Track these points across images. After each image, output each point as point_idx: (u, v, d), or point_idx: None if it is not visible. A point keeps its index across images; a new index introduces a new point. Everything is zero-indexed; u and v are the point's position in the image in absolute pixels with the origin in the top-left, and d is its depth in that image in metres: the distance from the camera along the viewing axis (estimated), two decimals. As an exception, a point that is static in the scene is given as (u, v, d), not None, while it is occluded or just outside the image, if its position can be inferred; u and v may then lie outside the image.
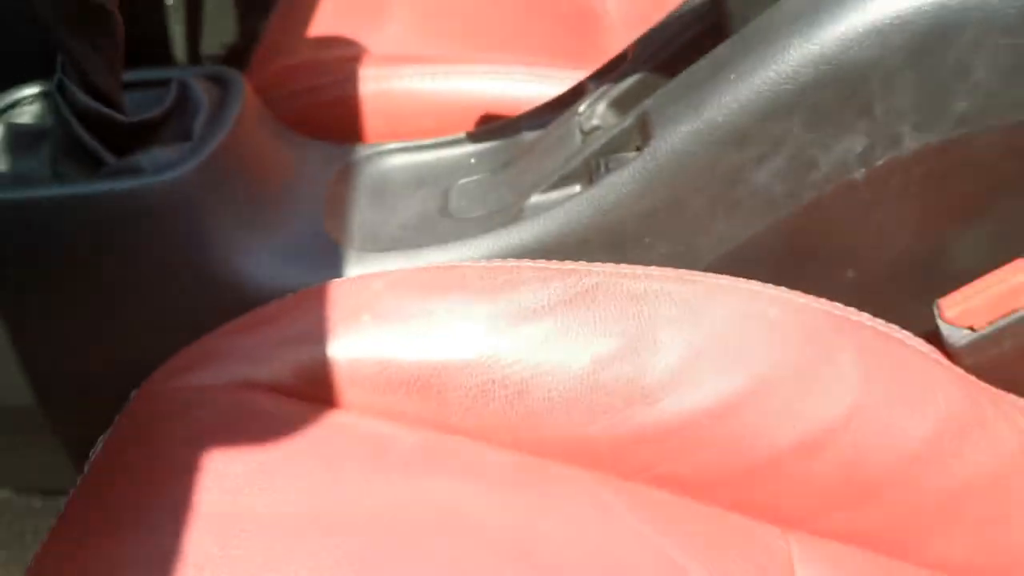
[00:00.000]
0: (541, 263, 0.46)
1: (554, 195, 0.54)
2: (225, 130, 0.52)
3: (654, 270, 0.46)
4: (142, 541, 0.34)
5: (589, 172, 0.53)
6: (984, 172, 0.47)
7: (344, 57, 0.69)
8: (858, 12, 0.44)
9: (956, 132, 0.46)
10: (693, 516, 0.44)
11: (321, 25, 0.73)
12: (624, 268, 0.46)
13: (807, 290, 0.50)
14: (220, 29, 1.16)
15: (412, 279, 0.44)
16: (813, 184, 0.48)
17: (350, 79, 0.66)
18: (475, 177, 0.60)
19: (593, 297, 0.44)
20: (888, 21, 0.44)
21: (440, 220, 0.57)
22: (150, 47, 1.03)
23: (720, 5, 0.50)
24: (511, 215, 0.54)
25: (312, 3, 0.79)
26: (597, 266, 0.46)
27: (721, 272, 0.50)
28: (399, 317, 0.42)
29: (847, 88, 0.45)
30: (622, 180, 0.50)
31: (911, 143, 0.46)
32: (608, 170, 0.51)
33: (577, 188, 0.53)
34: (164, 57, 1.13)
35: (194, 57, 1.16)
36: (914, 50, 0.44)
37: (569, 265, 0.45)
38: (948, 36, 0.44)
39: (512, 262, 0.46)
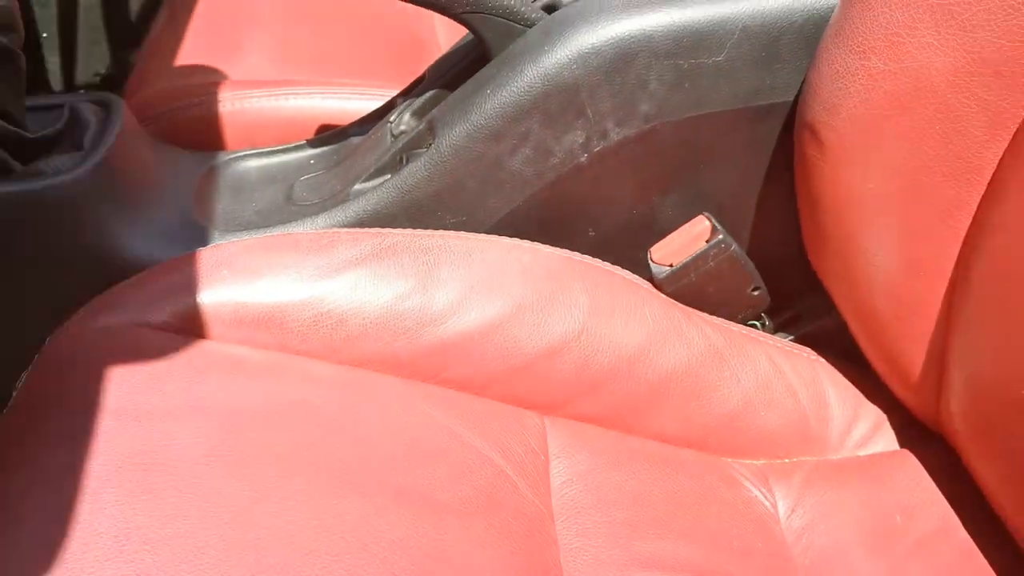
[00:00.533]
0: (356, 230, 0.59)
1: (371, 183, 0.67)
2: (109, 141, 0.63)
3: (440, 232, 0.61)
4: (64, 421, 0.46)
5: (396, 164, 0.66)
6: (668, 156, 0.64)
7: (206, 83, 0.80)
8: (568, 45, 0.60)
9: (644, 127, 0.62)
10: (473, 405, 0.58)
11: (186, 57, 0.84)
12: (418, 231, 0.60)
13: (561, 245, 0.65)
14: (93, 61, 1.24)
15: (258, 244, 0.56)
16: (553, 167, 0.63)
17: (211, 101, 0.78)
18: (314, 174, 0.73)
19: (394, 251, 0.58)
20: (587, 51, 0.60)
21: (286, 207, 0.70)
22: (28, 77, 1.11)
23: (483, 41, 0.65)
24: (339, 200, 0.67)
25: (178, 39, 0.90)
26: (397, 230, 0.60)
27: (498, 234, 0.65)
28: (249, 271, 0.55)
29: (565, 98, 0.61)
30: (417, 169, 0.64)
31: (615, 136, 0.62)
32: (408, 162, 0.65)
33: (388, 177, 0.67)
34: (42, 85, 1.21)
35: (69, 85, 1.24)
36: (607, 70, 0.60)
37: (376, 230, 0.59)
38: (628, 60, 0.60)
39: (334, 230, 0.60)
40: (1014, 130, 0.53)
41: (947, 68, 0.53)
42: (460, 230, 0.64)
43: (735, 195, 0.65)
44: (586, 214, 0.66)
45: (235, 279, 0.55)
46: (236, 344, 0.54)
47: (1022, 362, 0.53)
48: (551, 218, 0.66)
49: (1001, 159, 0.54)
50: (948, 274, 0.57)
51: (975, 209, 0.55)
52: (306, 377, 0.53)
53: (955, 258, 0.57)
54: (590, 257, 0.63)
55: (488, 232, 0.65)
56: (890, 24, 0.55)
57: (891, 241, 0.58)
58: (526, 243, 0.62)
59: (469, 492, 0.52)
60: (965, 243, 0.56)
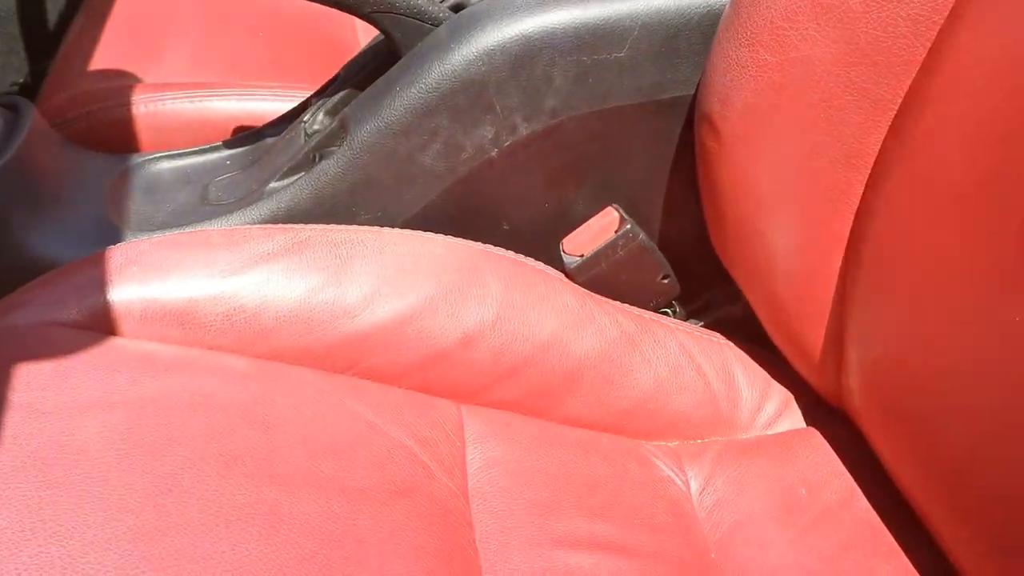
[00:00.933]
0: (268, 226, 0.60)
1: (285, 181, 0.68)
2: (16, 144, 0.64)
3: (352, 227, 0.62)
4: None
5: (309, 162, 0.68)
6: (576, 149, 0.66)
7: (121, 86, 0.80)
8: (473, 42, 0.62)
9: (551, 121, 0.64)
10: (388, 395, 0.59)
11: (102, 61, 0.84)
12: (331, 226, 0.61)
13: (476, 239, 0.66)
14: (10, 70, 1.23)
15: (169, 241, 0.57)
16: (464, 162, 0.65)
17: (125, 103, 0.78)
18: (228, 174, 0.73)
19: (306, 245, 0.59)
20: (493, 47, 0.62)
21: (200, 207, 0.70)
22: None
23: (392, 40, 0.67)
24: (254, 198, 0.68)
25: (93, 43, 0.90)
26: (310, 226, 0.61)
27: (413, 229, 0.66)
28: (159, 268, 0.56)
29: (473, 93, 0.63)
30: (330, 166, 0.65)
31: (523, 130, 0.64)
32: (321, 160, 0.66)
33: (302, 175, 0.68)
34: (-42, 96, 1.19)
35: (-14, 95, 1.23)
36: (513, 66, 0.62)
37: (289, 226, 0.60)
38: (533, 56, 0.62)
39: (246, 226, 0.61)
40: (892, 116, 0.56)
41: (828, 58, 0.56)
42: (375, 225, 0.66)
43: (643, 187, 0.68)
44: (499, 208, 0.68)
45: (145, 276, 0.55)
46: (147, 340, 0.55)
47: (909, 340, 0.56)
48: (465, 212, 0.68)
49: (882, 144, 0.57)
50: (840, 256, 0.60)
51: (861, 192, 0.58)
52: (218, 371, 0.54)
53: (846, 240, 0.60)
54: (503, 249, 0.65)
55: (403, 227, 0.67)
56: (775, 18, 0.58)
57: (786, 226, 0.61)
58: (439, 236, 0.63)
59: (383, 478, 0.53)
60: (854, 226, 0.59)
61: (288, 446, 0.52)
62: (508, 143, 0.64)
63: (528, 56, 0.61)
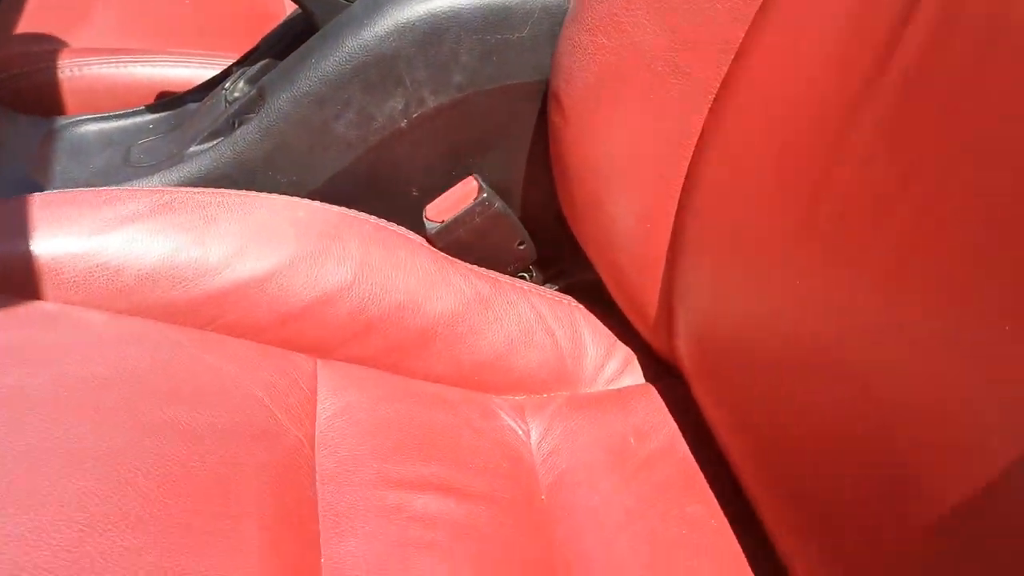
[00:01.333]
0: (135, 188, 0.61)
1: (205, 146, 0.68)
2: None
3: (220, 190, 0.63)
4: None
5: (229, 128, 0.68)
6: (480, 122, 0.66)
7: (47, 50, 0.81)
8: (386, 19, 0.62)
9: (457, 95, 0.65)
10: (245, 349, 0.59)
11: (28, 25, 0.85)
12: (198, 189, 0.63)
13: (389, 205, 0.67)
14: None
15: (38, 200, 0.57)
16: (375, 131, 0.66)
17: (51, 67, 0.80)
18: (151, 138, 0.74)
19: (171, 207, 0.60)
20: (403, 24, 0.62)
21: (123, 169, 0.71)
22: None
23: (311, 14, 0.67)
24: (175, 161, 0.69)
25: (20, 7, 0.90)
26: (176, 189, 0.62)
27: (328, 193, 0.67)
28: (25, 225, 0.57)
29: (385, 67, 0.63)
30: (248, 131, 0.66)
31: (432, 103, 0.65)
32: (240, 125, 0.67)
33: (222, 139, 0.68)
34: None
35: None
36: (421, 43, 0.62)
37: (155, 188, 0.62)
38: (440, 34, 0.62)
39: (113, 188, 0.62)
40: (712, 98, 0.56)
41: (656, 44, 0.56)
42: (291, 190, 0.67)
43: (506, 162, 0.69)
44: (408, 175, 0.69)
45: (10, 232, 0.57)
46: (10, 295, 0.56)
47: (721, 303, 0.57)
48: (376, 179, 0.69)
49: (704, 125, 0.57)
50: (669, 227, 0.61)
51: (686, 168, 0.59)
52: (79, 326, 0.56)
53: (674, 212, 0.60)
54: (365, 214, 0.66)
55: (319, 191, 0.68)
56: (613, 5, 0.58)
57: (623, 200, 0.62)
58: (304, 201, 0.65)
59: (230, 424, 0.55)
60: (681, 200, 0.60)
61: (138, 396, 0.53)
62: (417, 115, 0.65)
63: (436, 33, 0.62)
